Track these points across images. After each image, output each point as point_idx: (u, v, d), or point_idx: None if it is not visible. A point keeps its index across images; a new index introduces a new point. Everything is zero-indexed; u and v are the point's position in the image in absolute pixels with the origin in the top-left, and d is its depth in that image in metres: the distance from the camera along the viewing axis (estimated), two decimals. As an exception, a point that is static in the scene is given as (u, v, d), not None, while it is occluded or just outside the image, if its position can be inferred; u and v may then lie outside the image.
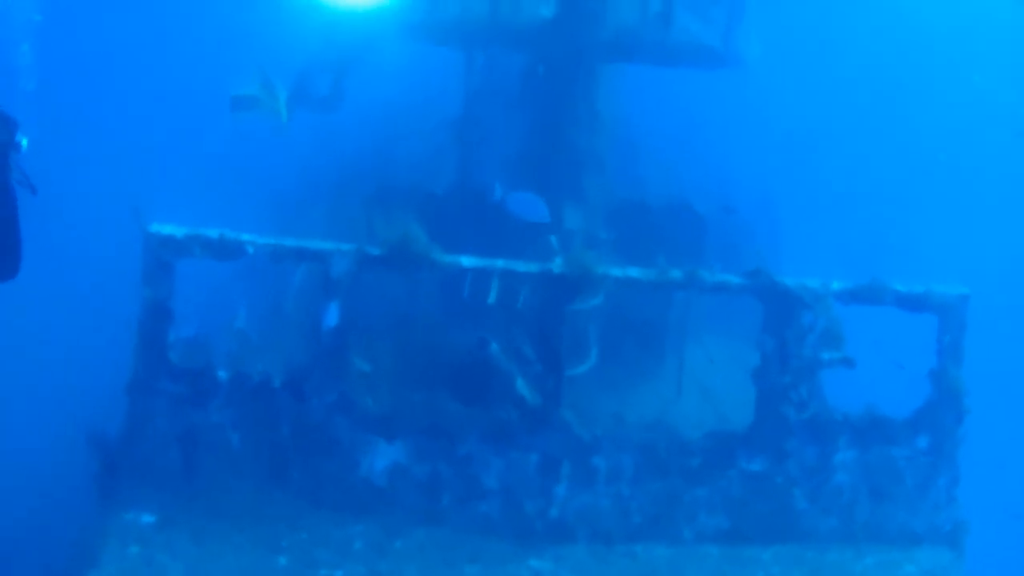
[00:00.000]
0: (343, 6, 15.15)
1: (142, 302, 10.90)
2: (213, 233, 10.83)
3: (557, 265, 10.86)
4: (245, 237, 10.84)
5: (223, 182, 21.05)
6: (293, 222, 15.87)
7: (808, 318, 11.53)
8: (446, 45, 13.46)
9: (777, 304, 11.46)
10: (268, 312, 15.04)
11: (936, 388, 11.69)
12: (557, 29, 12.76)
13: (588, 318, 12.76)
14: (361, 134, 16.64)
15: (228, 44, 16.97)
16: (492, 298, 11.12)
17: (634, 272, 11.03)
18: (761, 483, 11.66)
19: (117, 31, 25.05)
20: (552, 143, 13.87)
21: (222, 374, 11.16)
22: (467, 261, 10.81)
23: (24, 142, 8.98)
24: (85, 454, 11.38)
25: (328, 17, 15.36)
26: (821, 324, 11.54)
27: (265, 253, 10.83)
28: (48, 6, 22.01)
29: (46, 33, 21.98)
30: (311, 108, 15.66)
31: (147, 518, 10.76)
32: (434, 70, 16.71)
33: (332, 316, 10.78)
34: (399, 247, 10.64)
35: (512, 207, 12.72)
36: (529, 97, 14.05)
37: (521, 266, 10.90)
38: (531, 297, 11.10)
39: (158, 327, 10.95)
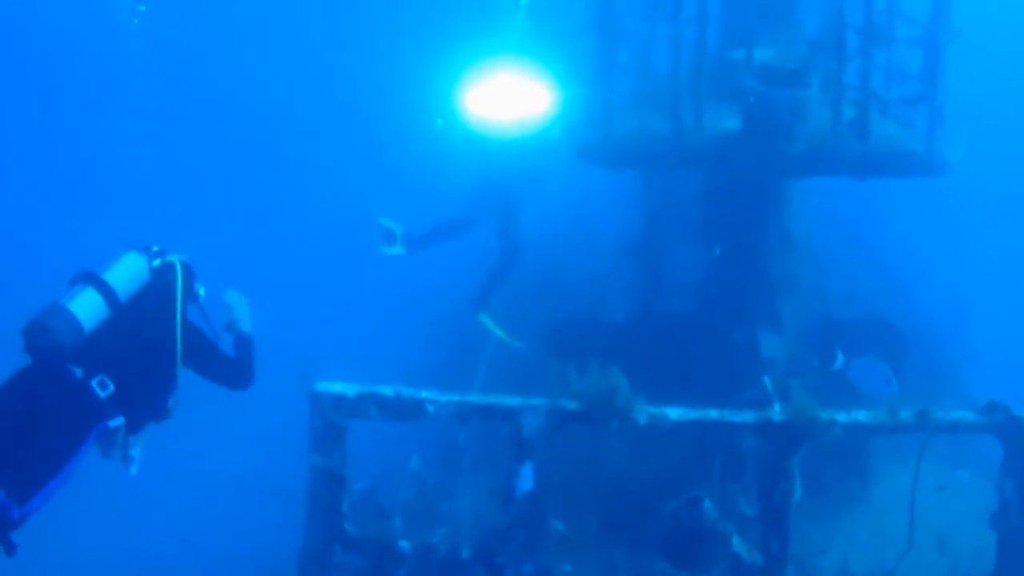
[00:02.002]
0: (496, 134, 13.63)
1: (311, 470, 9.22)
2: (388, 391, 9.13)
3: (777, 413, 8.92)
4: (424, 395, 9.12)
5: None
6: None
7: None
8: (623, 168, 11.65)
9: (1017, 441, 9.41)
10: (442, 449, 13.41)
11: None
12: (744, 144, 10.90)
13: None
14: (533, 263, 14.94)
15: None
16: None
17: (862, 416, 9.08)
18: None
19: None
20: (742, 266, 12.03)
21: (404, 544, 9.40)
22: (674, 413, 8.93)
23: (201, 291, 8.74)
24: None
25: (484, 148, 13.85)
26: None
27: (448, 412, 9.07)
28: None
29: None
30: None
31: None
32: (606, 192, 15.13)
33: (526, 480, 8.95)
34: (601, 400, 8.79)
35: (854, 376, 11.11)
36: (714, 219, 12.24)
37: (737, 416, 8.99)
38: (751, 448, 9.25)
39: (331, 497, 9.25)
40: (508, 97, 13.53)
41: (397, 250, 15.03)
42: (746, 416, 9.00)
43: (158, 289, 8.32)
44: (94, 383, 7.74)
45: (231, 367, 8.64)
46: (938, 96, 11.22)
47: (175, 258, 8.53)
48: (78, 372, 7.73)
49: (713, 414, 8.97)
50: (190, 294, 8.58)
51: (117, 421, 7.85)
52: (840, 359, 11.00)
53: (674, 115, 10.88)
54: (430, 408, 9.08)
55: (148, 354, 8.09)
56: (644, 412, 8.80)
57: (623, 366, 9.44)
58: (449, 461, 13.32)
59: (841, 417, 9.00)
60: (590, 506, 10.29)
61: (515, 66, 13.47)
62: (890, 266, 16.84)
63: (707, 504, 9.28)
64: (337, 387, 9.16)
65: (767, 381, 10.19)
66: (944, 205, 17.79)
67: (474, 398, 9.14)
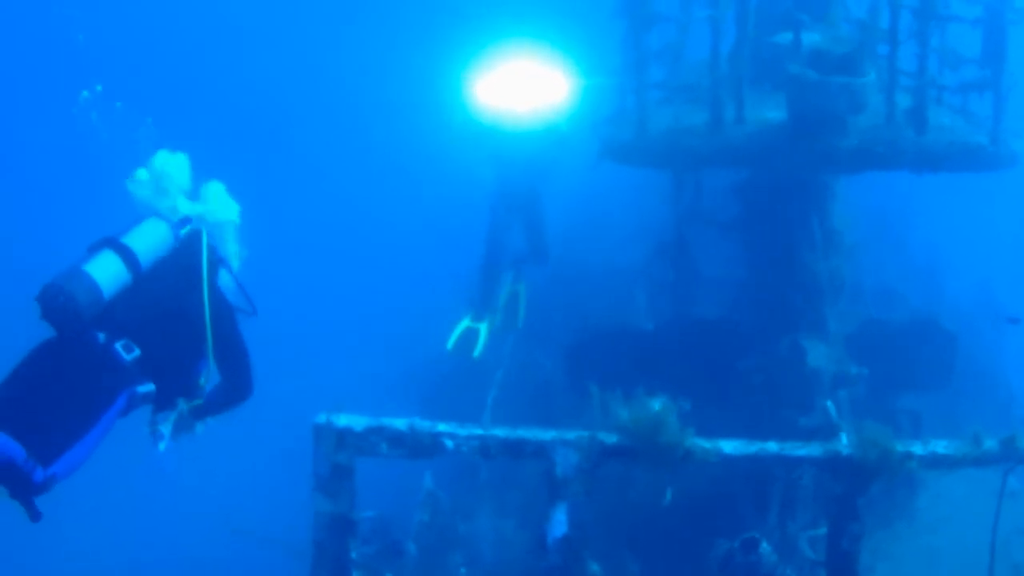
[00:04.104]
0: (509, 125, 12.09)
1: (316, 515, 7.78)
2: (401, 424, 7.70)
3: (845, 446, 7.49)
4: (442, 428, 7.69)
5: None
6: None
7: None
8: (657, 167, 10.19)
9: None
10: (456, 463, 12.01)
11: None
12: (791, 138, 9.46)
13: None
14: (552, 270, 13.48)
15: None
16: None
17: (940, 447, 7.64)
18: None
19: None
20: (784, 269, 10.58)
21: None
22: (729, 447, 7.49)
23: (236, 263, 8.18)
24: None
25: (498, 145, 12.32)
26: None
27: (470, 448, 7.65)
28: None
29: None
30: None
31: None
32: (621, 185, 13.68)
33: (560, 524, 7.52)
34: (646, 435, 7.35)
35: None
36: (753, 218, 10.81)
37: (800, 449, 7.55)
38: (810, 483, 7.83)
39: (338, 545, 7.83)
40: (522, 86, 11.99)
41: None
42: (811, 449, 7.56)
43: (186, 257, 7.69)
44: (118, 346, 7.15)
45: (245, 360, 7.86)
46: (1004, 82, 9.75)
47: (202, 227, 7.90)
48: (100, 337, 7.13)
49: (773, 447, 7.54)
50: (220, 264, 7.95)
51: (147, 387, 7.26)
52: None
53: (713, 107, 9.43)
54: (449, 443, 7.70)
55: (175, 322, 7.49)
56: (696, 447, 7.34)
57: (655, 378, 8.13)
58: (464, 475, 11.97)
59: (918, 449, 7.58)
60: (629, 542, 8.88)
61: (530, 51, 11.95)
62: (918, 256, 15.51)
63: (765, 547, 7.86)
64: (343, 419, 7.75)
65: (831, 407, 8.74)
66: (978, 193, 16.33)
67: (500, 432, 7.71)
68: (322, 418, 7.74)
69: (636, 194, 14.00)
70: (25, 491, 6.59)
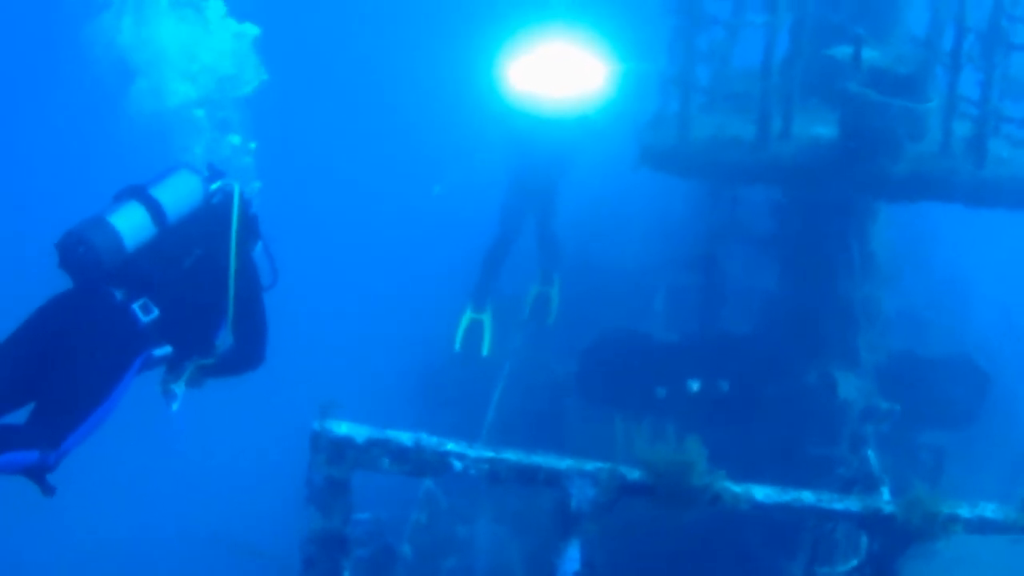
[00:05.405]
0: (540, 112, 11.38)
1: (308, 530, 7.03)
2: (406, 438, 6.91)
3: (887, 502, 6.76)
4: (451, 447, 6.92)
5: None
6: None
7: None
8: (697, 178, 9.46)
9: None
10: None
11: None
12: (839, 157, 8.70)
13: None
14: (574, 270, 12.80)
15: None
16: None
17: (988, 511, 6.90)
18: None
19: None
20: (818, 292, 9.90)
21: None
22: (761, 493, 6.75)
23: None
24: None
25: (524, 131, 11.59)
26: None
27: (479, 471, 6.89)
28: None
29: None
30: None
31: None
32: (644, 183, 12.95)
33: (572, 560, 6.79)
34: (673, 476, 6.61)
35: None
36: (789, 235, 10.09)
37: (837, 502, 6.81)
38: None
39: (331, 561, 7.08)
40: (557, 71, 11.28)
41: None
42: (849, 503, 6.82)
43: (213, 214, 7.17)
44: (136, 307, 6.67)
45: (262, 327, 7.33)
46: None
47: (235, 183, 7.34)
48: (118, 295, 6.66)
49: (808, 498, 6.80)
50: (250, 227, 7.40)
51: (164, 350, 6.83)
52: None
53: (761, 119, 8.66)
54: (457, 464, 6.93)
55: (197, 281, 7.01)
56: (726, 492, 6.61)
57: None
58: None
59: (964, 512, 6.83)
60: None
61: (566, 35, 11.23)
62: (944, 279, 14.80)
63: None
64: (343, 428, 6.98)
65: (871, 456, 8.02)
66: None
67: (512, 455, 6.95)
68: (319, 425, 6.97)
69: (658, 192, 13.33)
70: (39, 474, 6.25)
